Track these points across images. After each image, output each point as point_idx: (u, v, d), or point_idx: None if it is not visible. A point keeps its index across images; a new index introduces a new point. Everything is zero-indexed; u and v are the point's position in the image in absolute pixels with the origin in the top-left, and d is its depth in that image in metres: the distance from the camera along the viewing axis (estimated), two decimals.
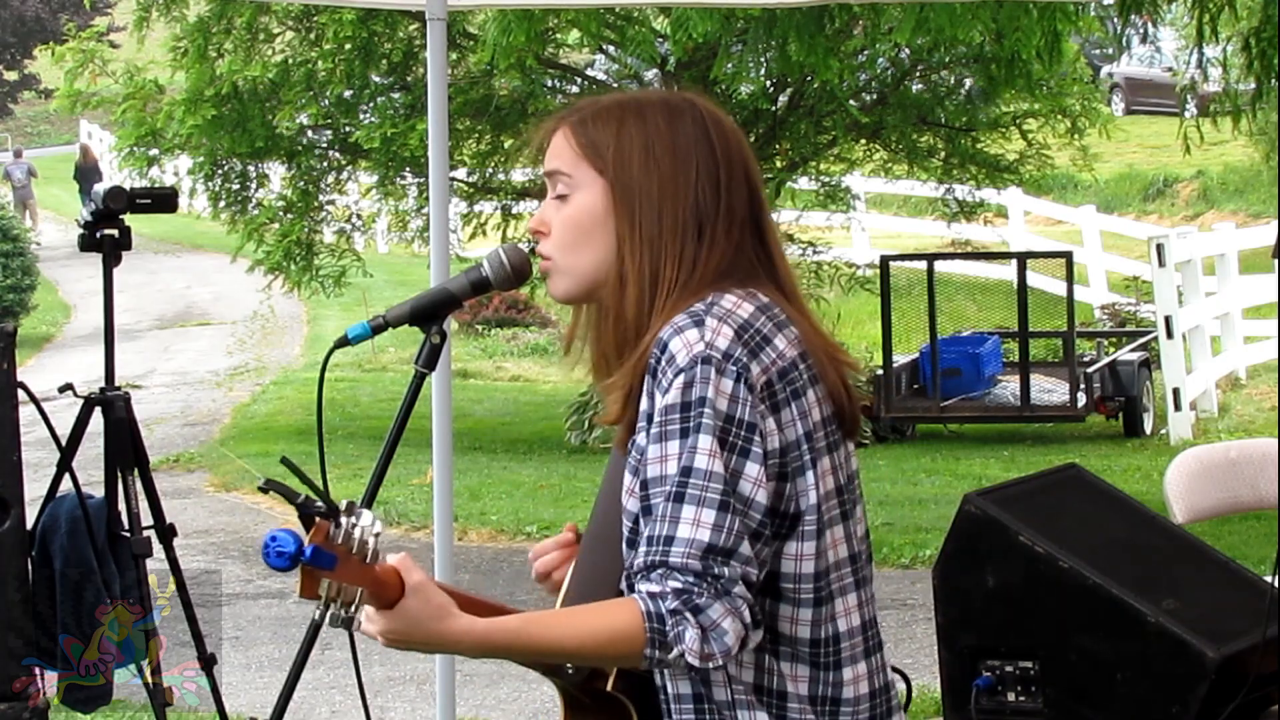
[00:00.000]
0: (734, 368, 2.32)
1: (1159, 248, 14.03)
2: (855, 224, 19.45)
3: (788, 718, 2.40)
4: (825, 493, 2.40)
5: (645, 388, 2.37)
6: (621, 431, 2.44)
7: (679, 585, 2.26)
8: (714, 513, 2.28)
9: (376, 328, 2.75)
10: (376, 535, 2.23)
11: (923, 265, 15.15)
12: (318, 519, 2.20)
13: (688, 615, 2.25)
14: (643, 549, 2.29)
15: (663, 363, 2.34)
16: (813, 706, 2.40)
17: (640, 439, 2.36)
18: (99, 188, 4.90)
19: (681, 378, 2.31)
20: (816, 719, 2.40)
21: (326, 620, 2.22)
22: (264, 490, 2.28)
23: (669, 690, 2.42)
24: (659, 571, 2.27)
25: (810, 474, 2.38)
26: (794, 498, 2.36)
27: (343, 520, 2.21)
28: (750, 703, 2.39)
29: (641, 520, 2.34)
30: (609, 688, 2.44)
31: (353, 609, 2.23)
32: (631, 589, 2.33)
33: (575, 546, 2.65)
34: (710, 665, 2.28)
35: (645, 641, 2.25)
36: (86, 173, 32.48)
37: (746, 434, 2.32)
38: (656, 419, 2.32)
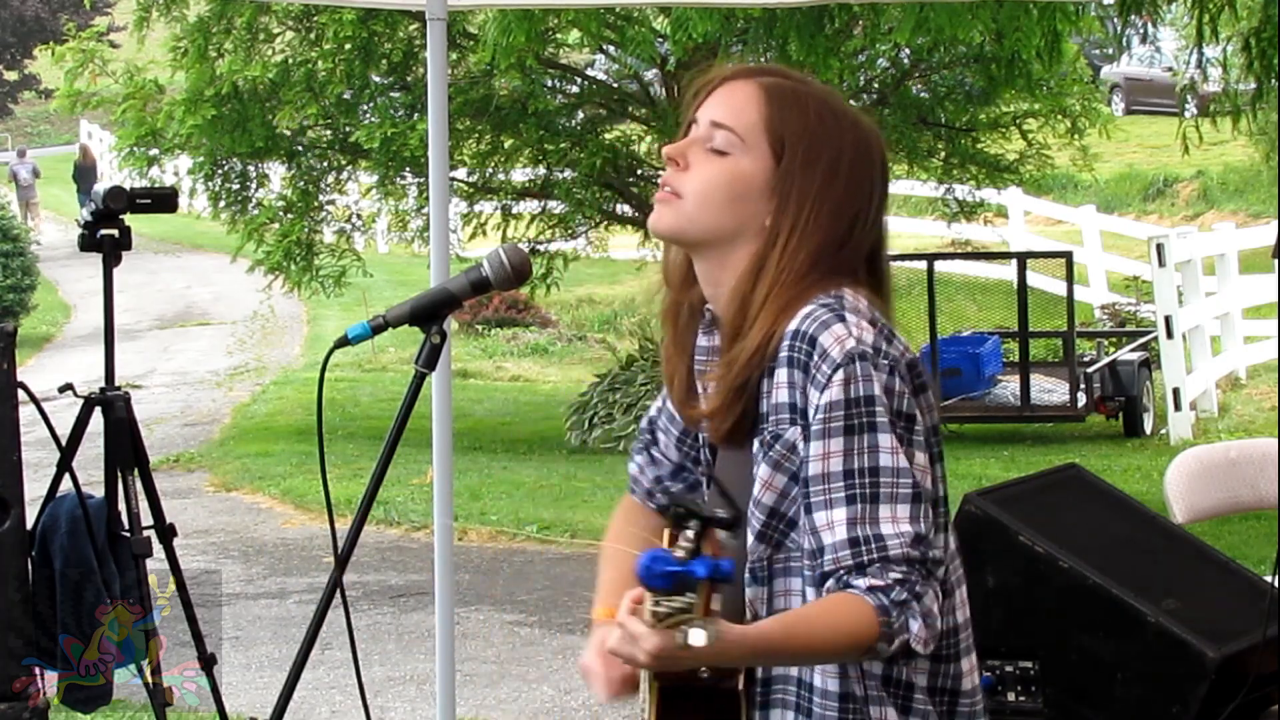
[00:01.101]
0: (886, 361, 2.35)
1: (1159, 248, 14.03)
2: None
3: (913, 709, 2.40)
4: (941, 486, 2.45)
5: (783, 379, 2.36)
6: (722, 421, 2.43)
7: (899, 575, 2.28)
8: (908, 506, 2.31)
9: (376, 328, 2.75)
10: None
11: (923, 265, 15.14)
12: (711, 531, 2.14)
13: (913, 604, 2.28)
14: (847, 551, 2.29)
15: (814, 358, 2.34)
16: (932, 698, 2.41)
17: (788, 434, 2.36)
18: (99, 188, 4.90)
19: (840, 373, 2.32)
20: (937, 711, 2.42)
21: (706, 640, 2.07)
22: (664, 511, 2.24)
23: (815, 685, 2.41)
24: (877, 566, 2.28)
25: (939, 467, 2.43)
26: (935, 483, 2.41)
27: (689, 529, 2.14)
28: (880, 697, 2.39)
29: (807, 518, 2.34)
30: (740, 686, 2.40)
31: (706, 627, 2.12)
32: (760, 581, 2.35)
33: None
34: (928, 650, 2.31)
35: (879, 635, 2.27)
36: (85, 172, 32.55)
37: (909, 425, 2.36)
38: (819, 415, 2.33)
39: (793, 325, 2.35)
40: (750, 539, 2.38)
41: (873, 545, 2.29)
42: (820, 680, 2.40)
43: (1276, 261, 6.05)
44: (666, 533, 2.38)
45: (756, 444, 2.39)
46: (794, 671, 2.41)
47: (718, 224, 2.44)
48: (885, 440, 2.32)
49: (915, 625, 2.28)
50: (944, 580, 2.39)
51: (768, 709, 2.42)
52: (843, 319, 2.35)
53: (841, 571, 2.29)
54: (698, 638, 2.06)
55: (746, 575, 2.38)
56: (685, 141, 2.48)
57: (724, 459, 2.49)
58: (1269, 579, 4.44)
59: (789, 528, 2.38)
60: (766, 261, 2.41)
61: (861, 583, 2.28)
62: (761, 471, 2.38)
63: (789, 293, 2.39)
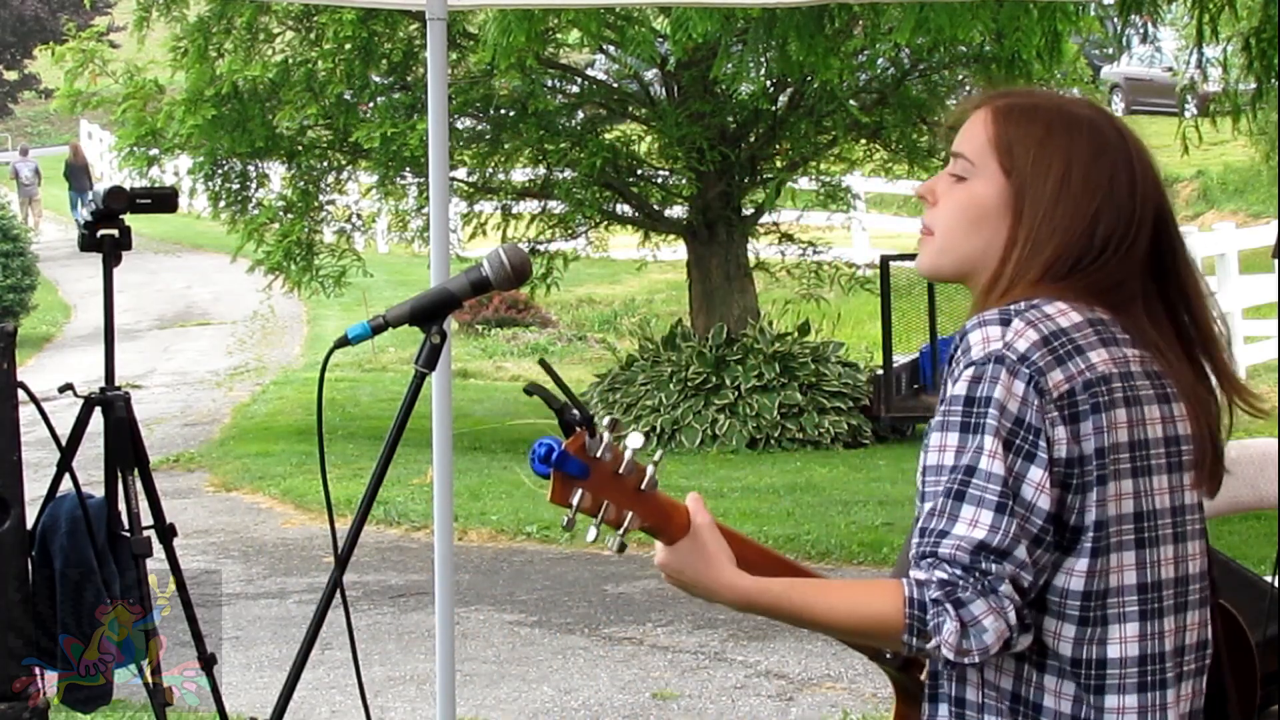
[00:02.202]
0: (1027, 370, 2.31)
1: None
2: (855, 224, 19.45)
3: None
4: (1117, 515, 2.36)
5: (945, 373, 2.38)
6: None
7: (944, 576, 2.26)
8: (991, 514, 2.28)
9: (376, 328, 2.75)
10: (656, 464, 2.24)
11: None
12: (577, 428, 2.21)
13: (948, 607, 2.25)
14: (916, 539, 2.30)
15: (958, 352, 2.35)
16: None
17: (932, 422, 2.38)
18: (99, 188, 4.90)
19: (971, 371, 2.32)
20: None
21: (594, 537, 2.22)
22: (529, 393, 2.28)
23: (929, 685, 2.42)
24: (928, 560, 2.27)
25: (1096, 491, 2.34)
26: (1077, 511, 2.34)
27: (605, 435, 2.21)
28: (1002, 710, 2.37)
29: (918, 504, 2.35)
30: (923, 677, 2.44)
31: (623, 532, 2.22)
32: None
33: None
34: (966, 661, 2.27)
35: (904, 627, 2.26)
36: (76, 171, 32.69)
37: (1032, 438, 2.30)
38: (942, 407, 2.34)
39: (967, 323, 2.38)
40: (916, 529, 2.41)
41: (931, 539, 2.28)
42: (970, 693, 2.39)
43: (1276, 261, 6.05)
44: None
45: None
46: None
47: (966, 251, 2.45)
48: (990, 444, 2.29)
49: (947, 629, 2.25)
50: (1078, 606, 2.35)
51: (935, 703, 2.43)
52: (1007, 323, 2.34)
53: (912, 557, 2.30)
54: (569, 526, 2.22)
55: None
56: (934, 178, 2.51)
57: None
58: (1269, 579, 4.44)
59: None
60: (1002, 275, 2.41)
61: (913, 574, 2.28)
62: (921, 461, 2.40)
63: (1000, 303, 2.39)
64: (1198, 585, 2.47)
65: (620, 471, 2.20)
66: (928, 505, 2.31)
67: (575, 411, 2.21)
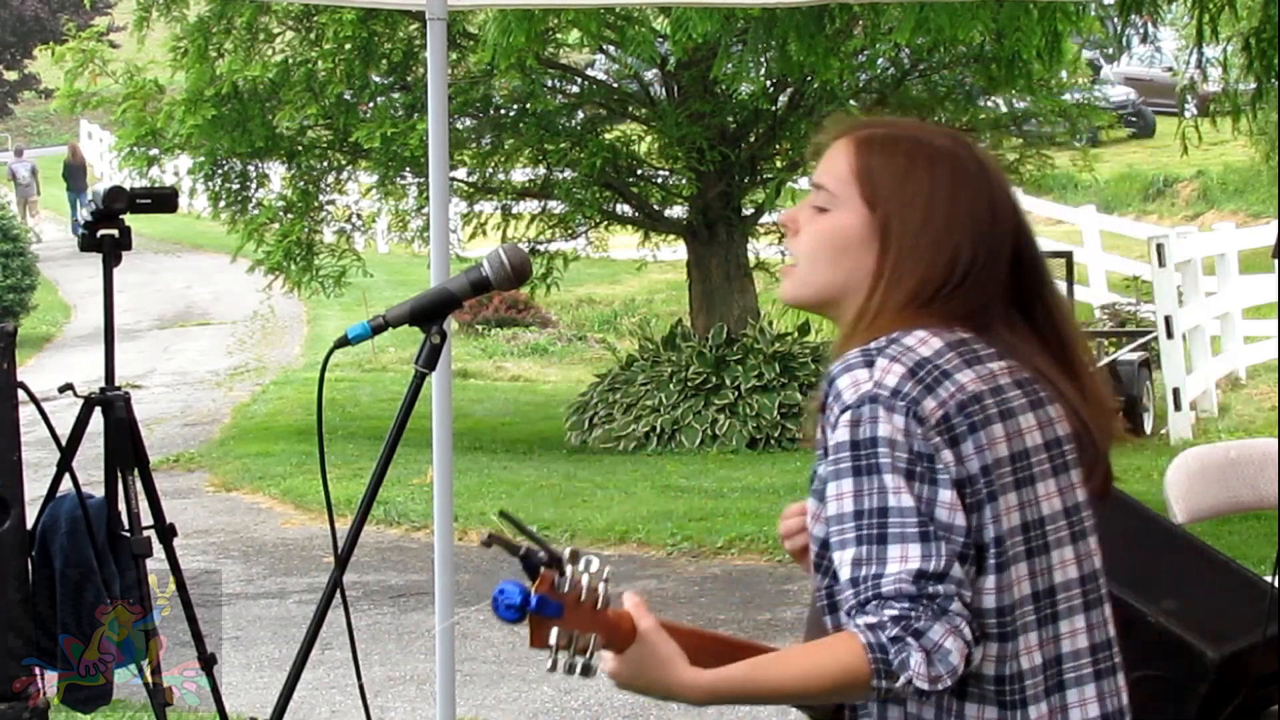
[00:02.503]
0: (902, 403, 2.33)
1: (1159, 248, 14.03)
2: None
3: None
4: (1010, 528, 2.37)
5: (820, 419, 2.39)
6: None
7: (895, 612, 2.26)
8: (918, 545, 2.29)
9: (376, 328, 2.75)
10: (606, 581, 2.23)
11: None
12: (542, 569, 2.21)
13: (909, 640, 2.25)
14: (849, 590, 2.29)
15: (829, 399, 2.36)
16: None
17: (820, 469, 2.38)
18: (99, 187, 4.89)
19: (849, 415, 2.33)
20: None
21: (561, 670, 2.20)
22: (487, 545, 2.25)
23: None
24: (874, 603, 2.27)
25: (989, 508, 2.36)
26: (977, 529, 2.35)
27: (568, 568, 2.22)
28: None
29: (831, 553, 2.35)
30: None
31: (589, 656, 2.21)
32: (831, 613, 2.37)
33: None
34: (939, 687, 2.26)
35: (871, 674, 2.24)
36: (74, 171, 32.77)
37: (928, 464, 2.32)
38: (831, 456, 2.35)
39: (832, 369, 2.39)
40: (813, 571, 2.42)
41: (869, 584, 2.28)
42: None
43: (1276, 261, 6.05)
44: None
45: None
46: (873, 707, 2.41)
47: (829, 281, 2.47)
48: (891, 481, 2.30)
49: (915, 661, 2.24)
50: (996, 628, 2.36)
51: None
52: (871, 364, 2.35)
53: (849, 610, 2.29)
54: (555, 668, 2.19)
55: (822, 605, 2.41)
56: (796, 207, 2.52)
57: None
58: (1269, 579, 4.44)
59: None
60: (869, 307, 2.43)
61: (860, 621, 2.27)
62: (810, 503, 2.42)
63: (865, 336, 2.41)
64: (1099, 581, 2.52)
65: (583, 599, 2.21)
66: (848, 553, 2.30)
67: (542, 553, 2.21)
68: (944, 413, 2.34)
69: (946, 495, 2.32)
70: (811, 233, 2.48)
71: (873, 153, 2.46)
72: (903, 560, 2.27)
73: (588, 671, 2.21)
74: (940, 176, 2.44)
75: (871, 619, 2.26)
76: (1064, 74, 14.91)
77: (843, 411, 2.33)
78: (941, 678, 2.25)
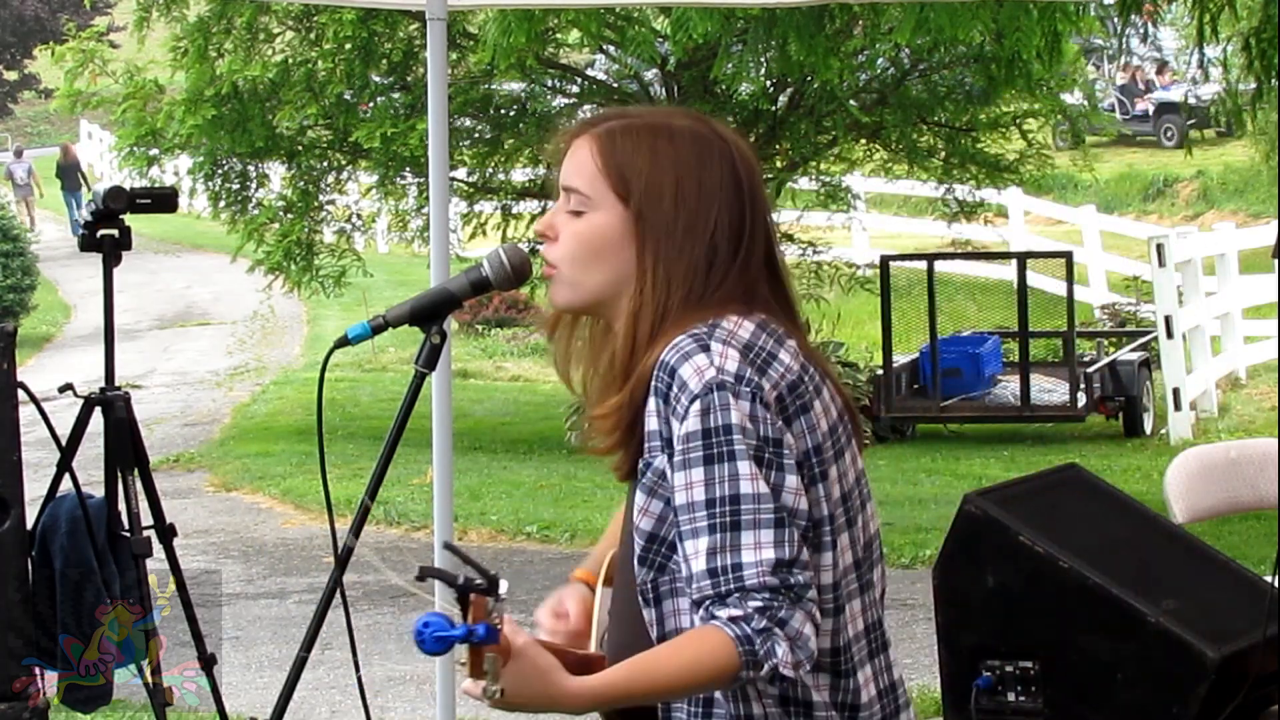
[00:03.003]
0: (747, 389, 2.35)
1: (1159, 248, 14.03)
2: (855, 224, 19.45)
3: None
4: (834, 502, 2.43)
5: (651, 408, 2.39)
6: (623, 459, 2.46)
7: (759, 604, 2.30)
8: (771, 531, 2.32)
9: (376, 328, 2.75)
10: (501, 601, 2.24)
11: (923, 265, 15.15)
12: (473, 596, 2.20)
13: (775, 630, 2.30)
14: (706, 581, 2.32)
15: (674, 389, 2.36)
16: (840, 713, 2.44)
17: (657, 461, 2.39)
18: (99, 188, 4.89)
19: (698, 404, 2.34)
20: None
21: (487, 698, 2.20)
22: (420, 578, 2.28)
23: (716, 699, 2.43)
24: (735, 596, 2.30)
25: (821, 485, 2.41)
26: (815, 505, 2.40)
27: (501, 592, 2.23)
28: (778, 715, 2.42)
29: (680, 546, 2.36)
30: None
31: (499, 679, 2.22)
32: (654, 605, 2.39)
33: (585, 631, 2.64)
34: (801, 673, 2.33)
35: (740, 665, 2.29)
36: (68, 171, 32.86)
37: (776, 450, 2.35)
38: (678, 446, 2.35)
39: (661, 355, 2.38)
40: (635, 564, 2.42)
41: (730, 575, 2.31)
42: (720, 696, 2.42)
43: (1276, 261, 6.05)
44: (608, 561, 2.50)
45: (637, 471, 2.43)
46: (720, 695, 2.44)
47: (597, 283, 2.47)
48: (745, 468, 2.33)
49: (781, 650, 2.29)
50: (831, 602, 2.42)
51: None
52: (706, 349, 2.37)
53: (706, 601, 2.32)
54: (474, 690, 2.18)
55: (639, 599, 2.43)
56: (549, 213, 2.52)
57: (627, 495, 2.52)
58: (1269, 579, 4.44)
59: (671, 550, 2.40)
60: (642, 300, 2.44)
61: (723, 613, 2.30)
62: (638, 498, 2.42)
63: (668, 327, 2.41)
64: (875, 556, 2.55)
65: (500, 623, 2.22)
66: (702, 542, 2.32)
67: (480, 580, 2.21)
68: (777, 394, 2.38)
69: (792, 480, 2.36)
70: (570, 236, 2.48)
71: (615, 146, 2.47)
72: (757, 548, 2.31)
73: (501, 695, 2.22)
74: (684, 155, 2.45)
75: (735, 611, 2.30)
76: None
77: (691, 401, 2.34)
78: (802, 663, 2.32)
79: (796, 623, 2.31)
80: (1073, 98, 15.98)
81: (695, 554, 2.33)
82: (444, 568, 2.28)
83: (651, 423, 2.39)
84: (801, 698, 2.41)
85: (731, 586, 2.30)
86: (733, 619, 2.29)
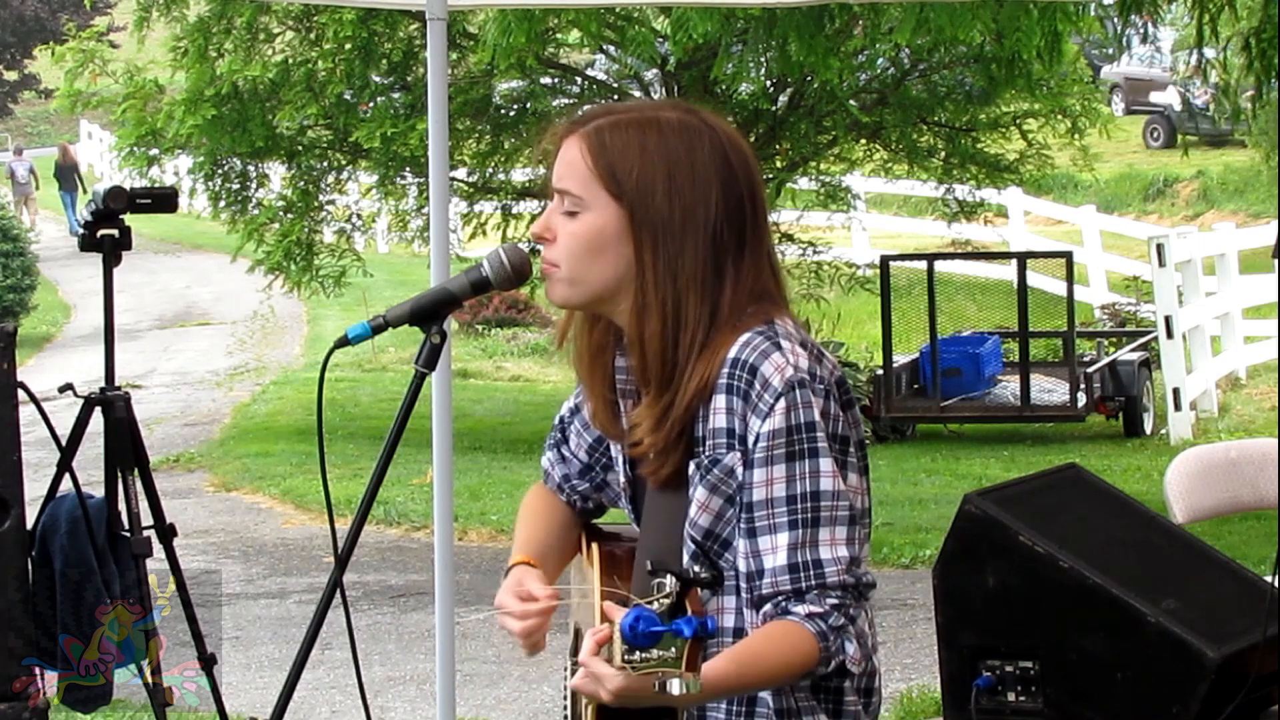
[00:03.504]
0: (822, 386, 2.41)
1: (1159, 248, 14.03)
2: (855, 224, 19.45)
3: (844, 711, 2.47)
4: (867, 490, 2.51)
5: (721, 405, 2.41)
6: (664, 461, 2.45)
7: (836, 601, 2.37)
8: (846, 529, 2.39)
9: (376, 328, 2.75)
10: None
11: (923, 265, 15.15)
12: (693, 590, 2.21)
13: (849, 627, 2.37)
14: (786, 576, 2.36)
15: (755, 386, 2.39)
16: (860, 697, 2.49)
17: (726, 458, 2.41)
18: (98, 188, 4.90)
19: (782, 402, 2.37)
20: (862, 707, 2.49)
21: (691, 689, 2.18)
22: (652, 574, 2.26)
23: (758, 697, 2.46)
24: (815, 593, 2.37)
25: (866, 479, 2.49)
26: (864, 497, 2.48)
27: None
28: (811, 707, 2.46)
29: (741, 541, 2.40)
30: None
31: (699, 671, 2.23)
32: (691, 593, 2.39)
33: (554, 609, 2.62)
34: (860, 668, 2.41)
35: (819, 660, 2.36)
36: (66, 171, 32.99)
37: (844, 448, 2.42)
38: (761, 444, 2.38)
39: (732, 354, 2.40)
40: (686, 557, 2.44)
41: (811, 572, 2.36)
42: (764, 694, 2.45)
43: (1276, 261, 6.06)
44: (596, 553, 2.54)
45: (692, 466, 2.44)
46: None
47: (597, 281, 2.49)
48: (826, 465, 2.38)
49: (851, 648, 2.37)
50: (871, 582, 2.48)
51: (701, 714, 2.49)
52: (779, 347, 2.40)
53: (781, 597, 2.37)
54: (675, 687, 2.16)
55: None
56: (545, 215, 2.54)
57: (656, 495, 2.52)
58: (1269, 579, 4.44)
59: (723, 548, 2.43)
60: (645, 298, 2.44)
61: (800, 609, 2.36)
62: (698, 494, 2.43)
63: (723, 332, 2.42)
64: None
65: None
66: (782, 537, 2.37)
67: (704, 573, 2.23)
68: (835, 381, 2.44)
69: (855, 479, 2.43)
70: (567, 237, 2.49)
71: (604, 144, 2.47)
72: (833, 545, 2.37)
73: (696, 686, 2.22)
74: (674, 147, 2.46)
75: (815, 608, 2.35)
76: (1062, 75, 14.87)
77: (776, 398, 2.37)
78: (868, 659, 2.41)
79: (862, 621, 2.39)
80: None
81: (773, 549, 2.37)
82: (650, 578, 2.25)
83: (720, 420, 2.41)
84: (835, 685, 2.45)
85: (813, 582, 2.36)
86: (811, 615, 2.35)
